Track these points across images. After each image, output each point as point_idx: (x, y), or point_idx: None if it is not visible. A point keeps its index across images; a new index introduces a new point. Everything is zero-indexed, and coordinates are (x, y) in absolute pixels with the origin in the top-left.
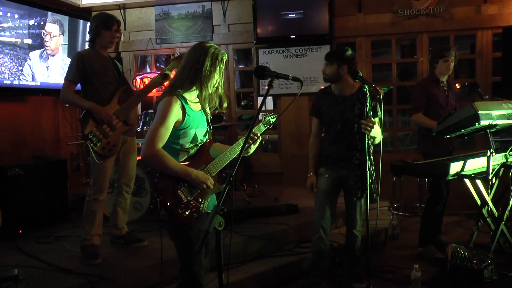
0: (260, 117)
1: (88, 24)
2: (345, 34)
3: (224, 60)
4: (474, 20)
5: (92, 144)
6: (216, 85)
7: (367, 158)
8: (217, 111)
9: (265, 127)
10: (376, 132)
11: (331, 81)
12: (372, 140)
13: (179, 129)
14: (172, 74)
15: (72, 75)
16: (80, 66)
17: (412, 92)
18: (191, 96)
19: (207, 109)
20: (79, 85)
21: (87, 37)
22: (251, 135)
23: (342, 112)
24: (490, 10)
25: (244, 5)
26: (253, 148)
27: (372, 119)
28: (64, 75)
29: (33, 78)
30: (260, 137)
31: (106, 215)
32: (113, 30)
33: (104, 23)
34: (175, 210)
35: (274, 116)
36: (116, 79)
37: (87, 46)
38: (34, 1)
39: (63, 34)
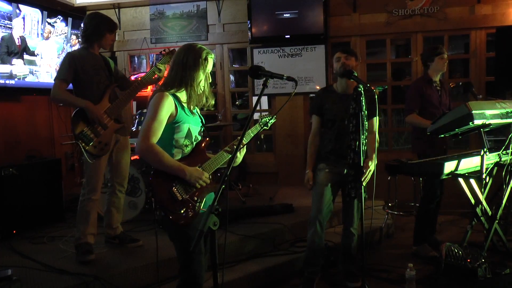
0: (257, 117)
1: (84, 22)
2: (340, 34)
3: (210, 59)
4: (468, 20)
5: (83, 144)
6: (202, 84)
7: (362, 157)
8: (205, 109)
9: (260, 127)
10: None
11: (351, 75)
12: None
13: (173, 123)
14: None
15: (64, 74)
16: (72, 66)
17: (406, 93)
18: (183, 97)
19: (197, 108)
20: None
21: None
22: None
23: (346, 109)
24: (484, 10)
25: (239, 4)
26: (239, 157)
27: (367, 120)
28: (55, 75)
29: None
30: (245, 146)
31: (101, 214)
32: (115, 33)
33: (110, 26)
34: (169, 209)
35: (272, 117)
36: (108, 78)
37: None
38: (29, 0)
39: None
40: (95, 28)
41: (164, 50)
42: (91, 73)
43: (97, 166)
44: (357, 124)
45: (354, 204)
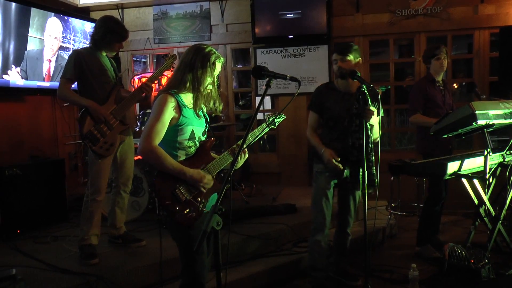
0: (260, 118)
1: (96, 25)
2: (343, 34)
3: (218, 64)
4: (472, 20)
5: (90, 143)
6: (209, 88)
7: (371, 155)
8: (213, 115)
9: (267, 125)
10: (375, 122)
11: (355, 75)
12: (371, 136)
13: (176, 125)
14: (169, 74)
15: (70, 73)
16: (77, 64)
17: (409, 93)
18: (187, 98)
19: (203, 111)
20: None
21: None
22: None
23: (349, 108)
24: (487, 10)
25: (242, 5)
26: (240, 162)
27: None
28: (61, 73)
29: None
30: (247, 151)
31: (104, 215)
32: (123, 42)
33: (118, 37)
34: (173, 209)
35: (278, 115)
36: (113, 79)
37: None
38: (32, 1)
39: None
40: (103, 36)
41: (168, 54)
42: (97, 73)
43: (102, 166)
44: (360, 123)
45: (351, 204)
